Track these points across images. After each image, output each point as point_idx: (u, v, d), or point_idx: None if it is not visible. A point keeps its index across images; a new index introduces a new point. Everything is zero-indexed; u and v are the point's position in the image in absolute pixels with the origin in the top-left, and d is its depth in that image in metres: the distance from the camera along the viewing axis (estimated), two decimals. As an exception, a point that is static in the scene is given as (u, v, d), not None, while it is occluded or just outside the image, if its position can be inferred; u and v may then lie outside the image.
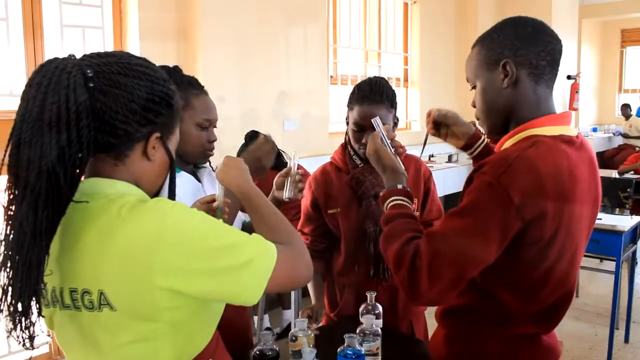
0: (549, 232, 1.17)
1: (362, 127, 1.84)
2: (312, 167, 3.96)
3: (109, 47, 3.68)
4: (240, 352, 1.72)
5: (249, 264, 0.96)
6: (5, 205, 0.89)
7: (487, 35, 1.31)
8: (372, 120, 1.57)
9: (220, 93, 3.84)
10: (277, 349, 1.50)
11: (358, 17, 5.67)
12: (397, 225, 1.28)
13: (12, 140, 0.88)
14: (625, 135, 9.19)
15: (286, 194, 1.65)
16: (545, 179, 1.14)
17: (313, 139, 4.89)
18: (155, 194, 1.08)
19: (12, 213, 0.88)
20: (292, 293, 3.47)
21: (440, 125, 1.64)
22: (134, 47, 3.69)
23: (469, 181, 1.22)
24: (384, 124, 1.81)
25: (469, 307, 1.32)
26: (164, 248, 0.90)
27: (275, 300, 4.12)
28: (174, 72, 1.60)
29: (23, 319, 0.91)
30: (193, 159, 1.65)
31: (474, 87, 1.36)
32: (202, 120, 1.60)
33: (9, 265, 0.89)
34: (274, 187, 1.75)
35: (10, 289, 0.89)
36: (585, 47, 10.21)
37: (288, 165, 1.69)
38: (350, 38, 5.55)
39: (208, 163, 1.75)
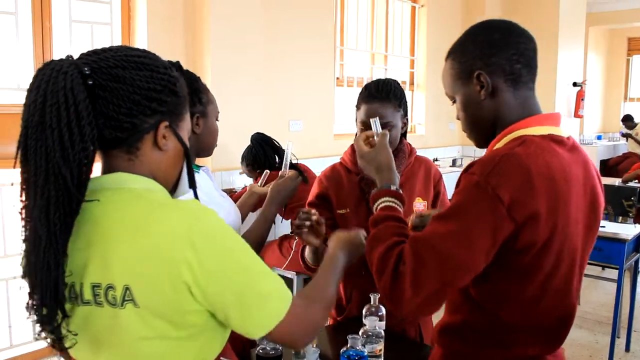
0: (543, 235, 1.10)
1: (369, 126, 1.84)
2: (317, 168, 3.96)
3: (117, 44, 3.67)
4: (240, 350, 1.73)
5: (267, 297, 0.96)
6: (20, 210, 0.90)
7: (458, 47, 1.26)
8: (370, 119, 1.52)
9: (227, 92, 3.85)
10: (280, 348, 1.51)
11: (365, 19, 5.67)
12: (384, 229, 1.22)
13: (20, 147, 0.89)
14: (627, 135, 8.97)
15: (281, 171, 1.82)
16: (535, 177, 1.07)
17: (318, 140, 4.90)
18: (174, 185, 1.07)
19: (26, 218, 0.90)
20: (294, 293, 3.47)
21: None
22: (142, 43, 3.70)
23: (458, 182, 1.16)
24: (389, 123, 1.82)
25: (467, 324, 1.24)
26: (194, 251, 0.90)
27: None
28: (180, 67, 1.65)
29: (50, 321, 0.91)
30: (209, 153, 1.71)
31: (454, 102, 1.30)
32: (217, 114, 1.69)
33: (30, 269, 0.90)
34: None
35: (33, 293, 0.90)
36: (592, 54, 10.21)
37: (285, 155, 1.84)
38: (357, 40, 5.56)
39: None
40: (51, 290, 0.89)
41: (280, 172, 1.82)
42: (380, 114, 1.79)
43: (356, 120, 1.94)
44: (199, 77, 1.64)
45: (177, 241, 0.90)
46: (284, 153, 1.90)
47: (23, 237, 0.90)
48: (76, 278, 0.94)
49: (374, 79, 1.99)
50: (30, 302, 0.91)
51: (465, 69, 1.23)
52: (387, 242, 1.17)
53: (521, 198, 1.06)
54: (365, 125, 1.84)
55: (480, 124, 1.26)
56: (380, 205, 1.30)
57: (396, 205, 1.29)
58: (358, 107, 1.89)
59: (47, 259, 0.88)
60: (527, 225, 1.07)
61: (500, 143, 1.20)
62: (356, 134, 2.00)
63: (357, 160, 1.47)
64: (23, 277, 0.92)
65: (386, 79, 1.91)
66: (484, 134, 1.27)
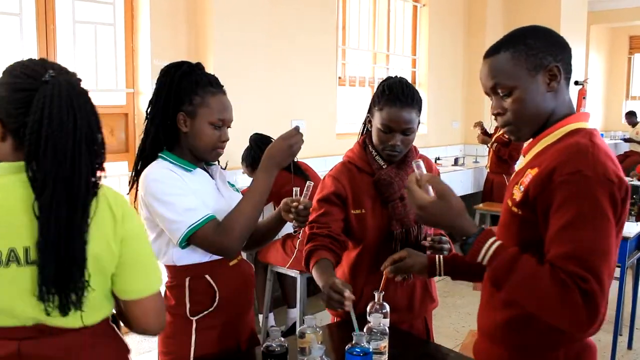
0: (625, 206, 1.21)
1: (391, 129, 1.81)
2: (320, 167, 3.97)
3: (121, 44, 3.71)
4: (245, 348, 1.74)
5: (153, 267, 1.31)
6: None
7: (519, 40, 1.29)
8: (413, 163, 1.40)
9: (230, 91, 3.85)
10: (286, 345, 1.52)
11: (367, 18, 5.69)
12: (525, 267, 1.19)
13: None
14: (629, 140, 9.12)
15: (294, 225, 1.75)
16: (618, 164, 1.21)
17: (321, 139, 4.91)
18: None
19: None
20: (297, 292, 3.49)
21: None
22: (145, 44, 3.72)
23: (542, 183, 1.20)
24: (411, 128, 1.82)
25: (530, 314, 1.25)
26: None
27: (280, 299, 4.14)
28: (197, 69, 1.65)
29: None
30: (203, 156, 1.67)
31: (507, 94, 1.30)
32: (216, 120, 1.62)
33: None
34: (281, 206, 1.77)
35: None
36: (593, 53, 10.21)
37: (303, 194, 1.76)
38: (359, 40, 5.57)
39: (217, 162, 1.77)
40: None
41: (300, 200, 1.73)
42: (405, 119, 1.79)
43: (369, 116, 1.93)
44: (208, 80, 1.64)
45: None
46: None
47: None
48: None
49: (377, 78, 1.99)
50: None
51: (535, 61, 1.27)
52: (542, 275, 1.15)
53: (620, 176, 1.19)
54: (388, 129, 1.82)
55: (540, 116, 1.30)
56: (493, 248, 1.23)
57: (500, 241, 1.24)
58: (380, 108, 1.83)
59: None
60: (622, 201, 1.19)
61: (552, 136, 1.29)
62: (363, 131, 1.99)
63: (416, 210, 1.31)
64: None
65: (404, 80, 1.88)
66: (536, 126, 1.32)
